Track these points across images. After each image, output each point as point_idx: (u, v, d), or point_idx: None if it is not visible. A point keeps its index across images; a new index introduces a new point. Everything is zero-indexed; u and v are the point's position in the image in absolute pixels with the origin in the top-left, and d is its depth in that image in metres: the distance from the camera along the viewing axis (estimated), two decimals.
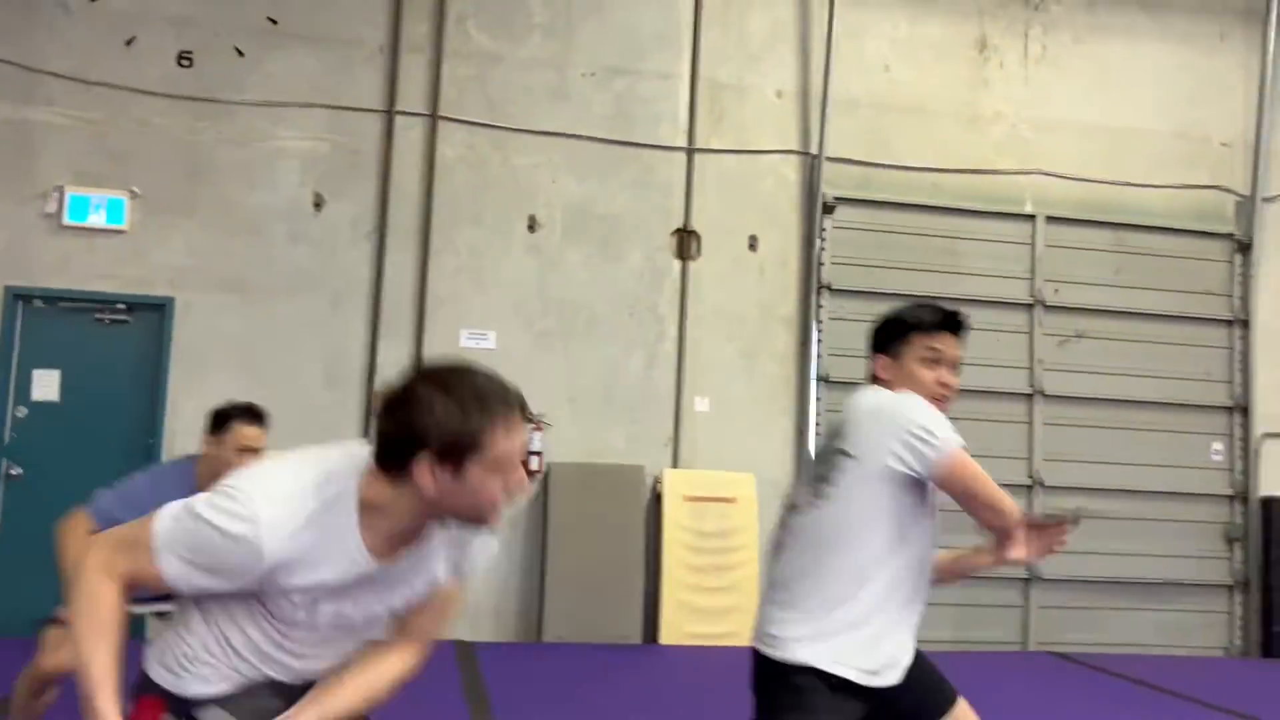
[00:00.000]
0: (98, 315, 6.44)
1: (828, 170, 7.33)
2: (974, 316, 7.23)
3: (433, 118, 6.88)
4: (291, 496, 1.64)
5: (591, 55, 7.12)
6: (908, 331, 2.53)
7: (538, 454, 6.73)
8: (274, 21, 6.72)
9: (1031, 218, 7.63)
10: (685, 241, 7.18)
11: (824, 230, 7.33)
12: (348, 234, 6.73)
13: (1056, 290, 7.65)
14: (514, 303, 6.90)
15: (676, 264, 7.17)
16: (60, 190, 6.36)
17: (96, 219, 6.39)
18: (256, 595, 1.71)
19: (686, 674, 6.03)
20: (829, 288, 7.30)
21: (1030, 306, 7.59)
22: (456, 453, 1.61)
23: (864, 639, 2.26)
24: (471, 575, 1.89)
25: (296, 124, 6.71)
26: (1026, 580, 7.34)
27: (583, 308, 6.98)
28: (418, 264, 6.78)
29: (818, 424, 7.13)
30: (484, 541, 1.86)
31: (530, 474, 6.74)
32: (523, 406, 1.71)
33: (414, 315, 6.74)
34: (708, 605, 6.64)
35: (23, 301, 6.34)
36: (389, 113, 6.83)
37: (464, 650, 6.06)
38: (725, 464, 7.03)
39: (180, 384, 6.42)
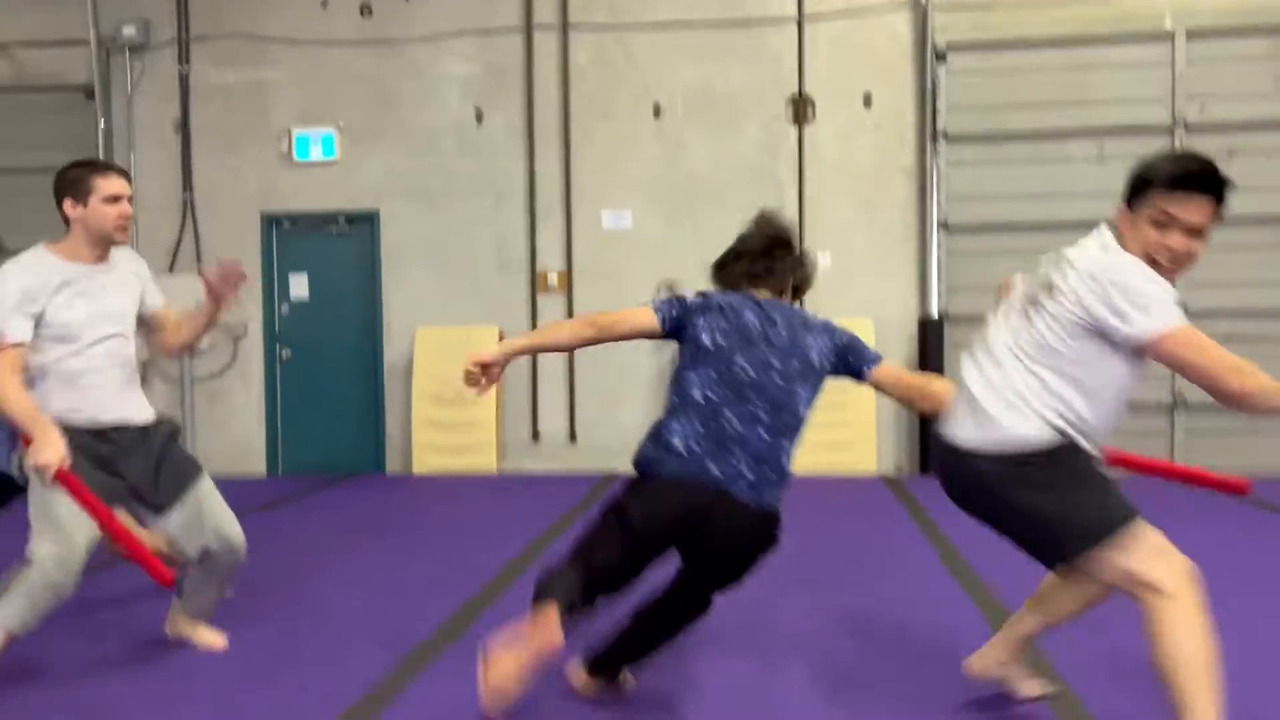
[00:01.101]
0: (326, 229, 8.22)
1: (939, 19, 7.47)
2: (1107, 146, 7.34)
3: (564, 28, 7.86)
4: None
5: None
6: (1145, 186, 2.34)
7: None
8: None
9: (1170, 35, 7.30)
10: (800, 107, 7.71)
11: (938, 79, 7.53)
12: (505, 141, 7.96)
13: (1202, 108, 7.32)
14: (645, 184, 7.84)
15: (793, 130, 7.73)
16: (289, 133, 8.12)
17: (315, 152, 8.10)
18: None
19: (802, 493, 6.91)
20: (945, 135, 7.54)
21: (1171, 129, 7.34)
22: (83, 194, 3.10)
23: None
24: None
25: (455, 51, 7.97)
26: (1171, 405, 7.37)
27: (706, 181, 7.78)
28: (561, 160, 7.89)
29: (939, 268, 7.55)
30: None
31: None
32: (122, 171, 3.23)
33: (562, 204, 7.90)
34: (821, 440, 7.39)
35: (274, 223, 8.24)
36: (528, 29, 7.89)
37: (607, 480, 7.38)
38: (847, 313, 7.63)
39: (389, 276, 8.09)
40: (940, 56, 7.49)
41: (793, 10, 7.66)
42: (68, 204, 3.15)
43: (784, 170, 7.74)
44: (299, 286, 8.26)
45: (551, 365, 7.93)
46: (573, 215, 7.90)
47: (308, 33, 8.06)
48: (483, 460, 7.76)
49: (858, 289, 7.66)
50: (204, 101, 8.20)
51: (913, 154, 7.64)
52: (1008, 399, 2.39)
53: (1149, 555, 2.28)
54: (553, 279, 7.92)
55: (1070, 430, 2.37)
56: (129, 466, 3.21)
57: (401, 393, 8.03)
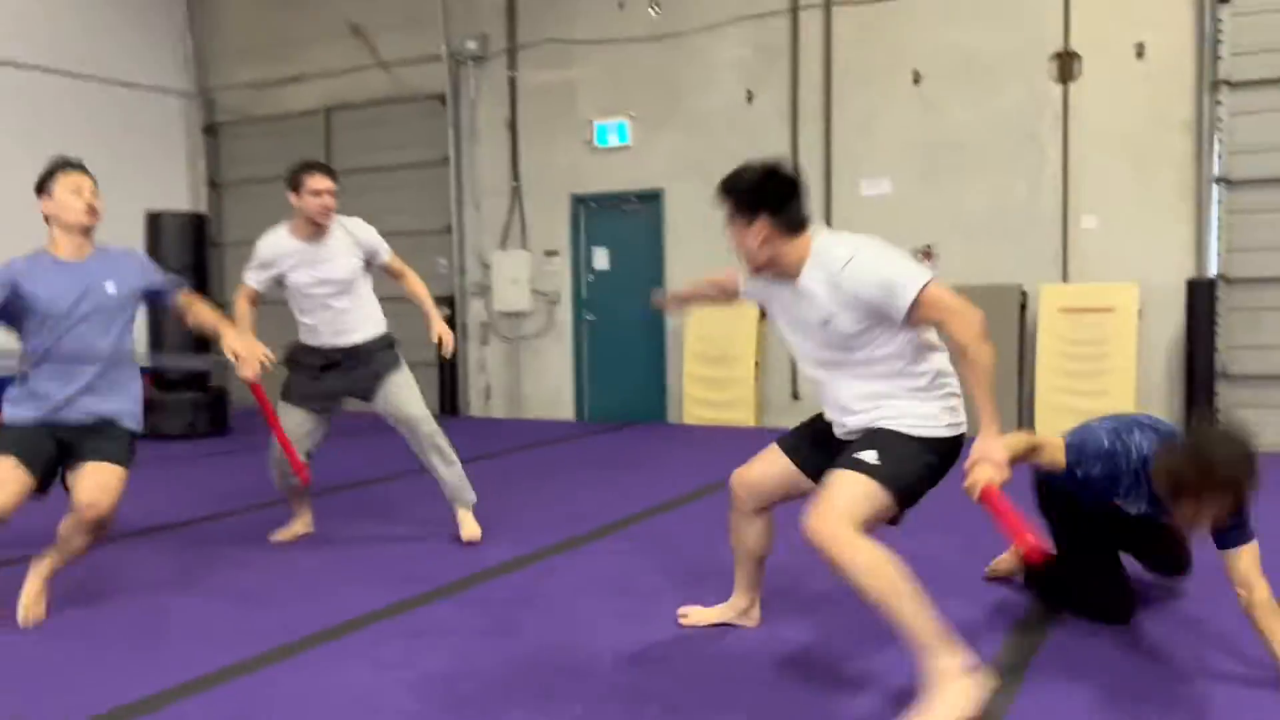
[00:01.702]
0: (622, 207, 9.28)
1: None
2: None
3: (827, 6, 8.22)
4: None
5: None
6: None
7: None
8: None
9: None
10: (1065, 64, 7.45)
11: (1221, 21, 6.93)
12: (772, 118, 8.50)
13: None
14: (903, 150, 8.01)
15: (1057, 88, 7.50)
16: (590, 124, 9.27)
17: (612, 140, 9.18)
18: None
19: None
20: (1228, 83, 6.93)
21: None
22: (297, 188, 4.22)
23: None
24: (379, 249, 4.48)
25: (730, 37, 8.63)
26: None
27: (965, 145, 7.79)
28: (822, 132, 8.28)
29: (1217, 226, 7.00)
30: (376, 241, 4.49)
31: None
32: (327, 171, 4.28)
33: (822, 174, 8.29)
34: (1082, 407, 7.19)
35: (581, 203, 9.45)
36: (794, 10, 8.35)
37: None
38: (1112, 276, 7.32)
39: (672, 249, 8.99)
40: None
41: None
42: (290, 195, 4.32)
43: (1047, 131, 7.54)
44: (600, 259, 9.42)
45: None
46: (832, 184, 8.28)
47: (608, 33, 9.13)
48: (742, 415, 8.43)
49: (1125, 252, 7.32)
50: (526, 100, 9.59)
51: (1190, 105, 7.11)
52: None
53: None
54: None
55: None
56: (336, 374, 4.43)
57: (679, 351, 8.92)
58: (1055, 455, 2.94)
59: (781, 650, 3.09)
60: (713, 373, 8.57)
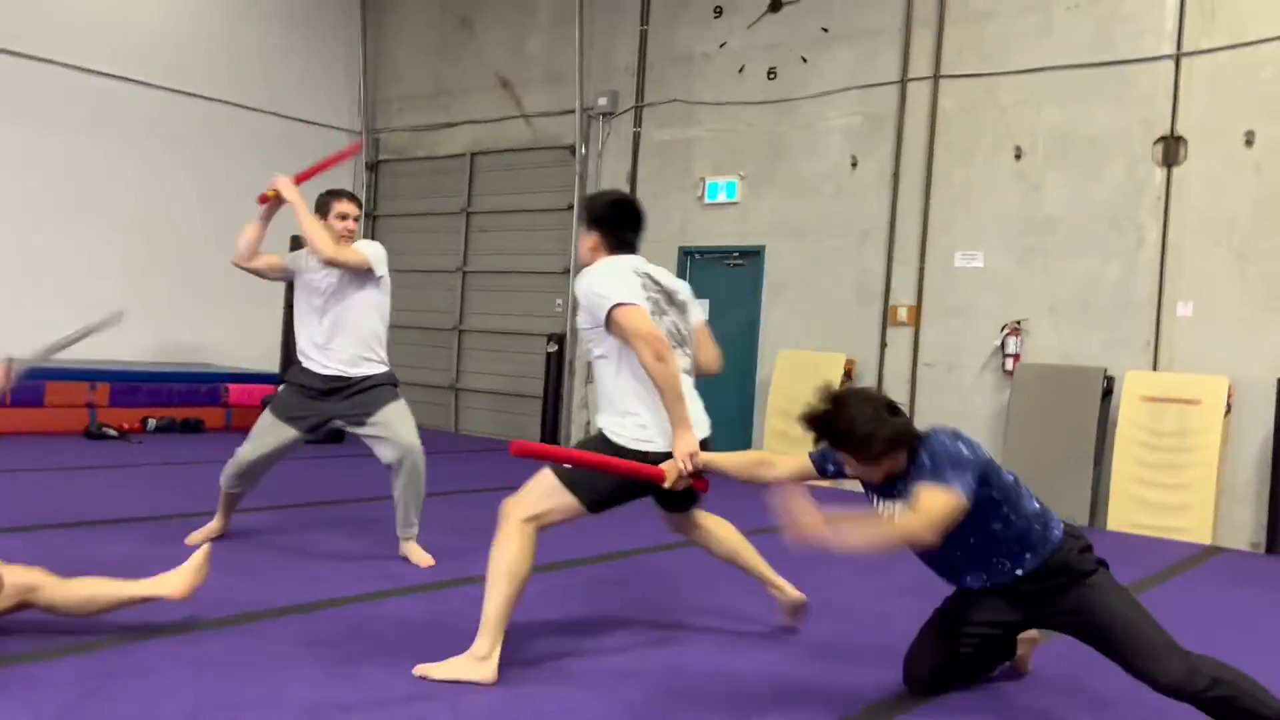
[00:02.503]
0: (725, 261, 9.55)
1: None
2: None
3: (935, 78, 8.29)
4: None
5: None
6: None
7: (1014, 356, 7.75)
8: (825, 30, 8.91)
9: None
10: (1170, 148, 7.25)
11: None
12: (873, 185, 8.60)
13: None
14: (999, 225, 7.94)
15: (1159, 172, 7.30)
16: (703, 181, 9.61)
17: (721, 197, 9.49)
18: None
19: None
20: None
21: None
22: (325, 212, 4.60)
23: None
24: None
25: (839, 105, 8.81)
26: None
27: (1061, 223, 7.66)
28: (921, 201, 8.32)
29: None
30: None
31: (1008, 374, 7.80)
32: (353, 197, 4.68)
33: (918, 243, 8.31)
34: (1158, 500, 6.91)
35: (689, 256, 9.78)
36: (902, 81, 8.46)
37: None
38: (1203, 368, 7.02)
39: (769, 302, 9.18)
40: None
41: (1169, 48, 7.25)
42: (318, 216, 4.59)
43: (1146, 214, 7.34)
44: (704, 310, 9.65)
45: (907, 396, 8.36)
46: (927, 253, 8.28)
47: (725, 96, 9.49)
48: None
49: (1218, 344, 7.00)
50: (647, 156, 10.04)
51: None
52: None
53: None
54: (902, 314, 8.37)
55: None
56: (333, 400, 4.63)
57: (766, 405, 9.05)
58: (798, 470, 3.18)
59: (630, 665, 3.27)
60: (794, 429, 8.64)
